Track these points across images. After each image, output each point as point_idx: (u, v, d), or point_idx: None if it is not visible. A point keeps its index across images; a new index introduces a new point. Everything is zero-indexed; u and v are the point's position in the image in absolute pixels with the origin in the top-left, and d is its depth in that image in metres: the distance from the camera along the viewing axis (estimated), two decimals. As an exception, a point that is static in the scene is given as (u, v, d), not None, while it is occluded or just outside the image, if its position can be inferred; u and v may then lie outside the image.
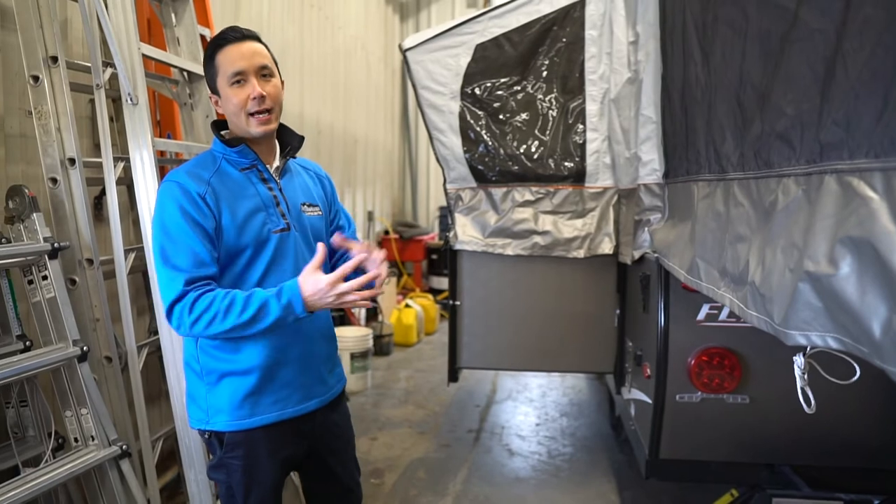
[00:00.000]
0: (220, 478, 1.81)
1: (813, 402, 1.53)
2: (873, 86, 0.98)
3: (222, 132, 1.84)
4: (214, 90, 1.77)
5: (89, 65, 2.59)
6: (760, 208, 1.47)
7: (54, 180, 2.50)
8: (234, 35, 1.74)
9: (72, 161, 2.50)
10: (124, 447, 2.36)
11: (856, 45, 1.03)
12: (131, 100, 2.44)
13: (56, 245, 2.31)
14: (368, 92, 8.21)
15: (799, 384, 1.52)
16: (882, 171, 0.95)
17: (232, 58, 1.71)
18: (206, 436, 1.81)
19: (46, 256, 2.30)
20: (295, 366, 1.80)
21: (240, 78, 1.70)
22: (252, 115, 1.71)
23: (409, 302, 7.03)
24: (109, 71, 2.61)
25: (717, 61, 1.83)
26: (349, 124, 7.42)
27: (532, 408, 4.94)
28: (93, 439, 2.32)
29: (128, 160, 2.51)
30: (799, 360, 1.52)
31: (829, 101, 1.13)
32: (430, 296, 7.74)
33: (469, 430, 4.47)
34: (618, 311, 3.52)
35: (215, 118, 1.92)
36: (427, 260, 8.69)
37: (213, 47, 1.75)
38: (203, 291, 1.62)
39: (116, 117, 2.93)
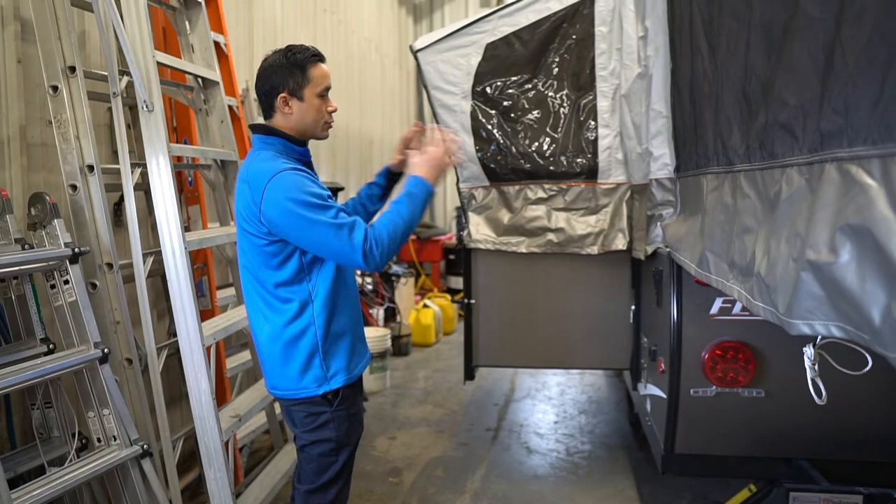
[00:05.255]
0: (327, 435, 2.04)
1: (824, 393, 1.52)
2: (870, 73, 0.99)
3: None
4: (295, 95, 2.02)
5: (106, 74, 2.65)
6: (766, 199, 1.47)
7: (74, 187, 2.56)
8: (322, 57, 2.07)
9: (90, 168, 2.56)
10: (145, 446, 2.41)
11: (853, 32, 1.03)
12: (147, 107, 2.50)
13: (77, 250, 2.37)
14: (383, 94, 8.25)
15: (809, 375, 1.52)
16: (879, 157, 0.95)
17: (325, 74, 2.06)
18: (327, 397, 2.02)
19: (68, 261, 2.35)
20: (361, 326, 2.19)
21: (325, 93, 2.07)
22: (325, 123, 2.10)
23: (428, 302, 7.06)
24: (126, 79, 2.67)
25: (724, 54, 1.83)
26: (365, 126, 7.47)
27: (550, 406, 4.94)
28: (115, 439, 2.37)
29: (145, 166, 2.57)
30: (808, 351, 1.51)
31: (828, 90, 1.13)
32: (448, 296, 7.76)
33: (487, 428, 4.48)
34: (633, 307, 3.51)
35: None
36: (445, 260, 8.71)
37: (305, 59, 2.01)
38: (367, 225, 1.92)
39: (133, 124, 2.99)
